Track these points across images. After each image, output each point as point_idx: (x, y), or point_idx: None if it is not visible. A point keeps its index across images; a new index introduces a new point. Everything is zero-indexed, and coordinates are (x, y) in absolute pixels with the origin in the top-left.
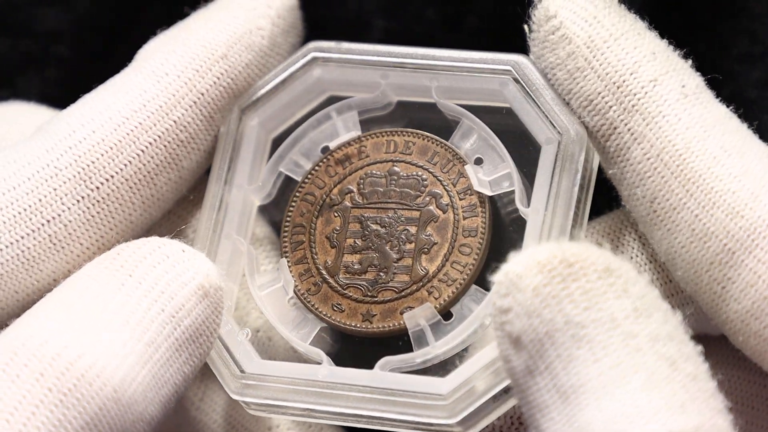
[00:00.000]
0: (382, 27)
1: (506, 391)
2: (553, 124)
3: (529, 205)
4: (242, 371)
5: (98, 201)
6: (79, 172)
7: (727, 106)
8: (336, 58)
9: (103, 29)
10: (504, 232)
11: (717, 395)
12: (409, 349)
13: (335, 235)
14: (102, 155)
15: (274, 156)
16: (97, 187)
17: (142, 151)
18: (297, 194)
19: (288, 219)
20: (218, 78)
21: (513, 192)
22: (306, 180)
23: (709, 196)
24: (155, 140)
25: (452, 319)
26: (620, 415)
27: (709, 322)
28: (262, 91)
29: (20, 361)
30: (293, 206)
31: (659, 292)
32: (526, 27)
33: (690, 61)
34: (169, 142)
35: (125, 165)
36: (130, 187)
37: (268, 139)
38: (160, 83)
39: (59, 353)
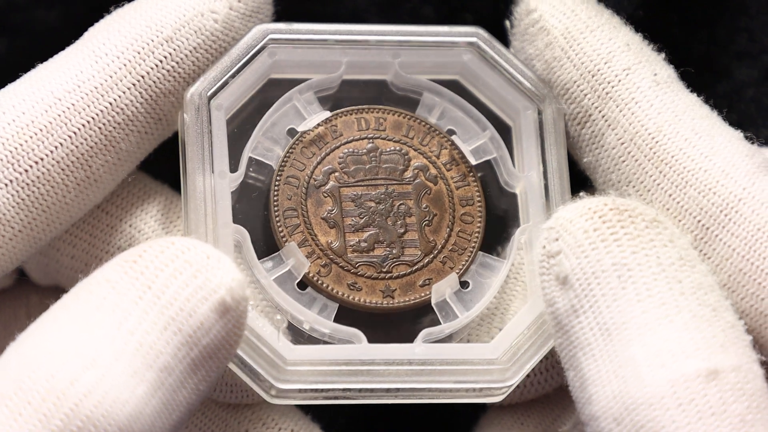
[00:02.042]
0: (380, 24)
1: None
2: (528, 91)
3: (523, 170)
4: (286, 359)
5: (27, 184)
6: (6, 155)
7: (725, 105)
8: (292, 39)
9: None
10: (490, 199)
11: (752, 347)
12: (435, 320)
13: (331, 216)
14: (31, 137)
15: (248, 142)
16: (26, 170)
17: (74, 133)
18: (278, 178)
19: (276, 203)
20: (161, 61)
21: (490, 160)
22: (283, 163)
23: (682, 175)
24: (88, 122)
25: (469, 287)
26: (663, 350)
27: None
28: (225, 77)
29: (24, 397)
30: (277, 190)
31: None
32: (507, 23)
33: (667, 53)
34: (104, 124)
35: (56, 147)
36: (62, 170)
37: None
38: (98, 63)
39: (65, 391)
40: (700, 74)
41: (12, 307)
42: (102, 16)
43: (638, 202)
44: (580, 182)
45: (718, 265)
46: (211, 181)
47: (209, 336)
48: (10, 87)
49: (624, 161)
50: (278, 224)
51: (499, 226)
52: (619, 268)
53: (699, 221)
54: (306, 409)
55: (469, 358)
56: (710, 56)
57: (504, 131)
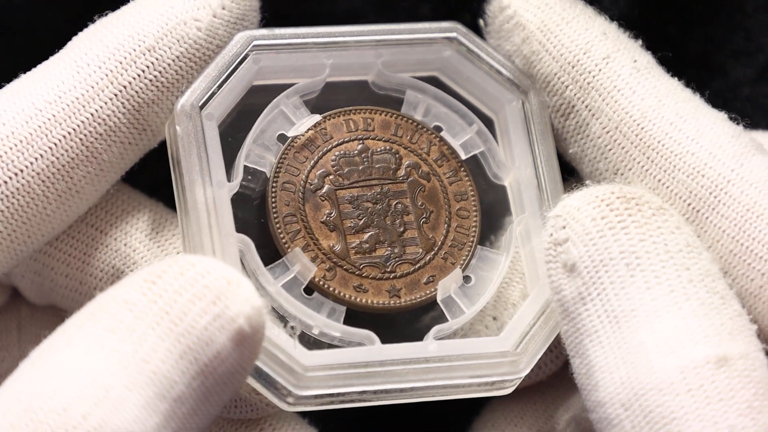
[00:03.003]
0: (375, 23)
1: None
2: (510, 84)
3: (513, 162)
4: (305, 365)
5: (7, 196)
6: None
7: (720, 103)
8: (277, 45)
9: None
10: (482, 192)
11: (757, 337)
12: (441, 316)
13: (330, 219)
14: (11, 148)
15: (241, 151)
16: (5, 182)
17: (55, 144)
18: (274, 185)
19: (274, 210)
20: (143, 71)
21: (476, 154)
22: (278, 169)
23: (669, 159)
24: (70, 133)
25: (472, 282)
26: (672, 337)
27: None
28: (214, 87)
29: (35, 429)
30: (274, 197)
31: None
32: (481, 22)
33: (663, 52)
34: (85, 135)
35: (36, 159)
36: (42, 181)
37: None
38: (79, 74)
39: (76, 426)
40: (696, 73)
41: (2, 320)
42: (101, 17)
43: (644, 189)
44: (567, 172)
45: (709, 247)
46: (211, 192)
47: (225, 365)
48: None
49: (610, 149)
50: (279, 231)
51: (489, 218)
52: (627, 256)
53: (689, 204)
54: (302, 413)
55: (482, 352)
56: (706, 55)
57: (486, 125)
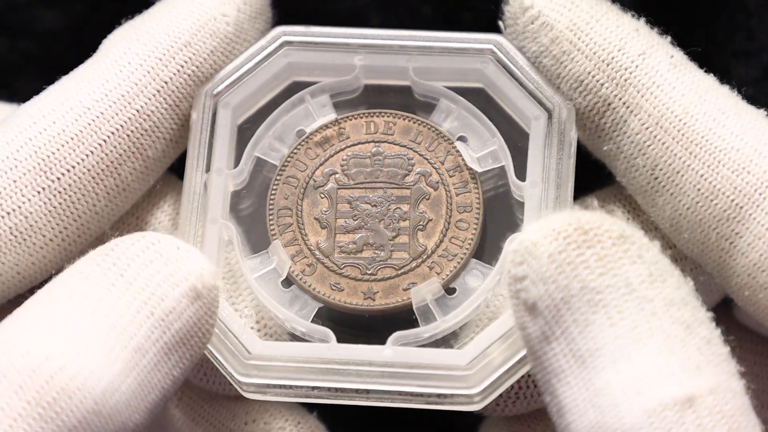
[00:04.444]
0: (377, 22)
1: (522, 360)
2: (539, 100)
3: (523, 179)
4: (249, 352)
5: (59, 192)
6: (39, 164)
7: None
8: (308, 42)
9: (102, 30)
10: (493, 207)
11: (730, 360)
12: (415, 325)
13: (324, 216)
14: (63, 146)
15: (251, 141)
16: (58, 178)
17: (104, 141)
18: (278, 177)
19: (272, 202)
20: (182, 66)
21: (498, 168)
22: (286, 163)
23: (714, 155)
24: (117, 129)
25: (456, 293)
26: (638, 377)
27: (707, 294)
28: (234, 76)
29: (2, 370)
30: (275, 189)
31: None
32: (501, 23)
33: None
34: (132, 132)
35: (87, 155)
36: (93, 177)
37: (235, 125)
38: (122, 72)
39: (40, 365)
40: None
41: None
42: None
43: (603, 216)
44: (584, 186)
45: (750, 243)
46: (204, 177)
47: (181, 321)
48: (37, 98)
49: (649, 145)
50: (270, 222)
51: (505, 234)
52: (588, 292)
53: (732, 200)
54: (311, 410)
55: (435, 363)
56: (708, 55)
57: (525, 139)
